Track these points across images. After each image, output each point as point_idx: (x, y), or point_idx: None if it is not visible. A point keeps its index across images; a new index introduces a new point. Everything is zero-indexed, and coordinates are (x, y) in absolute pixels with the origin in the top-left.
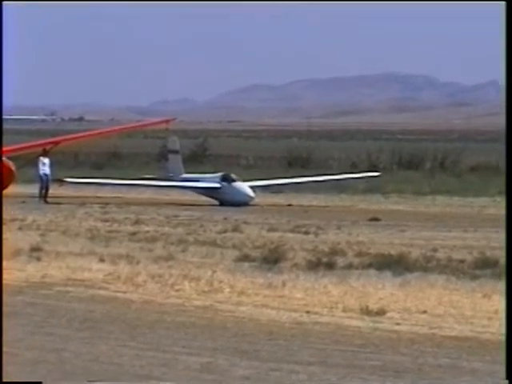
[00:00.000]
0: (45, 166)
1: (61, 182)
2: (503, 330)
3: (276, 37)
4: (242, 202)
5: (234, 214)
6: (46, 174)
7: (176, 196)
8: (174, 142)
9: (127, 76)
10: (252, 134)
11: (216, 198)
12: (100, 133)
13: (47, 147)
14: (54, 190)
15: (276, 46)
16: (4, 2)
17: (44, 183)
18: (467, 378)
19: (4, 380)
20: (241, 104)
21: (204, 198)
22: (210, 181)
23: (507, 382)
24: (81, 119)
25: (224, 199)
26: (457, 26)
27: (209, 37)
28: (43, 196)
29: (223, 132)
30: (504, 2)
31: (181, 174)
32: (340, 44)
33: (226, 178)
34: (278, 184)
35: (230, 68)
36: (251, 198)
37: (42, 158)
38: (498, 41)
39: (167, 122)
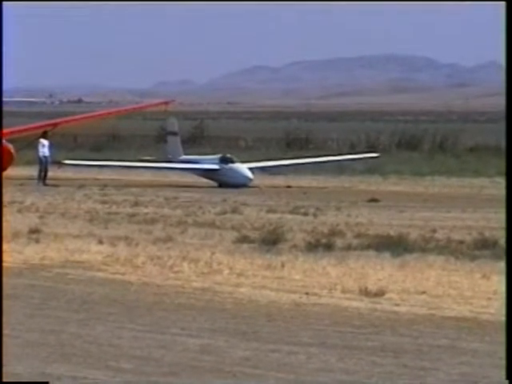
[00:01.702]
0: (44, 148)
1: (60, 164)
2: (503, 311)
3: (275, 18)
4: (240, 184)
5: (232, 195)
6: (45, 156)
7: (175, 178)
8: (173, 124)
9: (126, 57)
10: (251, 116)
11: (215, 180)
12: (99, 115)
13: (47, 129)
14: (52, 172)
15: (275, 27)
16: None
17: (43, 165)
18: (466, 359)
19: (4, 380)
20: (240, 85)
21: (203, 180)
22: (209, 162)
23: (507, 382)
24: (79, 101)
25: (223, 181)
26: (456, 6)
27: (208, 18)
28: (42, 178)
29: (222, 114)
30: (504, 2)
31: (180, 155)
32: (339, 25)
33: (224, 160)
34: (276, 165)
35: (230, 49)
36: (250, 179)
37: (41, 140)
38: (497, 21)
39: (166, 103)
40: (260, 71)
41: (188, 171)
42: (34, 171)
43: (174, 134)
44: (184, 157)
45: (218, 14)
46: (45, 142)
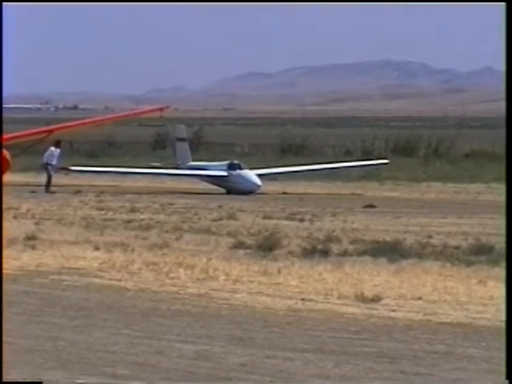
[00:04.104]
0: (53, 158)
1: (66, 170)
2: (499, 317)
3: (271, 24)
4: (249, 191)
5: (228, 201)
6: (50, 164)
7: (171, 184)
8: (181, 130)
9: (121, 64)
10: (247, 122)
11: (223, 186)
12: (94, 121)
13: (59, 139)
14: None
15: (269, 33)
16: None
17: (49, 173)
18: (462, 364)
19: (4, 380)
20: (235, 92)
21: (209, 186)
22: (217, 169)
23: (507, 382)
24: (75, 107)
25: (231, 187)
26: (451, 12)
27: (203, 24)
28: (45, 185)
29: (218, 120)
30: (504, 3)
31: (188, 162)
32: (334, 31)
33: (232, 166)
34: (283, 172)
35: (224, 56)
36: (258, 186)
37: (52, 149)
38: (492, 27)
39: (162, 109)
40: (255, 77)
41: (196, 178)
42: (30, 178)
43: (183, 140)
44: (192, 163)
45: (212, 20)
46: (56, 151)
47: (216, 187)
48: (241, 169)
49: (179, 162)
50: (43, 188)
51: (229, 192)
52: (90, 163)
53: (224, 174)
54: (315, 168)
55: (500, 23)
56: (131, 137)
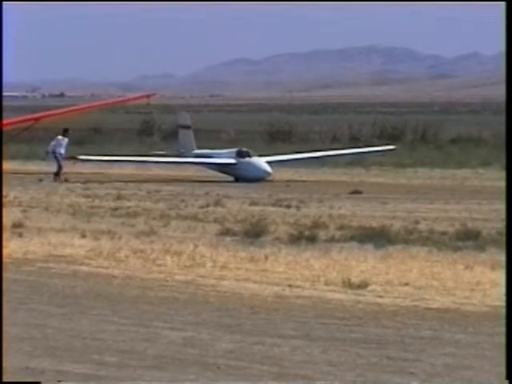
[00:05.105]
0: (61, 147)
1: (74, 159)
2: (486, 302)
3: (255, 10)
4: (258, 178)
5: (215, 188)
6: (54, 152)
7: (158, 171)
8: (185, 117)
9: (108, 51)
10: (233, 109)
11: (231, 174)
12: (81, 108)
13: (67, 127)
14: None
15: (255, 19)
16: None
17: (58, 162)
18: (450, 350)
19: (4, 380)
20: (222, 78)
21: (211, 173)
22: (225, 156)
23: (507, 382)
24: (62, 95)
25: (240, 175)
26: None
27: (189, 11)
28: (54, 174)
29: (205, 106)
30: (504, 2)
31: (193, 149)
32: (320, 17)
33: (241, 154)
34: (287, 159)
35: (211, 42)
36: (268, 173)
37: (59, 138)
38: (478, 14)
39: (148, 96)
40: (241, 64)
41: (203, 165)
42: (16, 166)
43: (187, 127)
44: (197, 151)
45: (197, 6)
46: (62, 139)
47: (223, 175)
48: (250, 156)
49: (183, 150)
50: (57, 178)
51: (237, 180)
52: (76, 150)
53: (233, 161)
54: (314, 156)
55: (486, 8)
56: (118, 124)
